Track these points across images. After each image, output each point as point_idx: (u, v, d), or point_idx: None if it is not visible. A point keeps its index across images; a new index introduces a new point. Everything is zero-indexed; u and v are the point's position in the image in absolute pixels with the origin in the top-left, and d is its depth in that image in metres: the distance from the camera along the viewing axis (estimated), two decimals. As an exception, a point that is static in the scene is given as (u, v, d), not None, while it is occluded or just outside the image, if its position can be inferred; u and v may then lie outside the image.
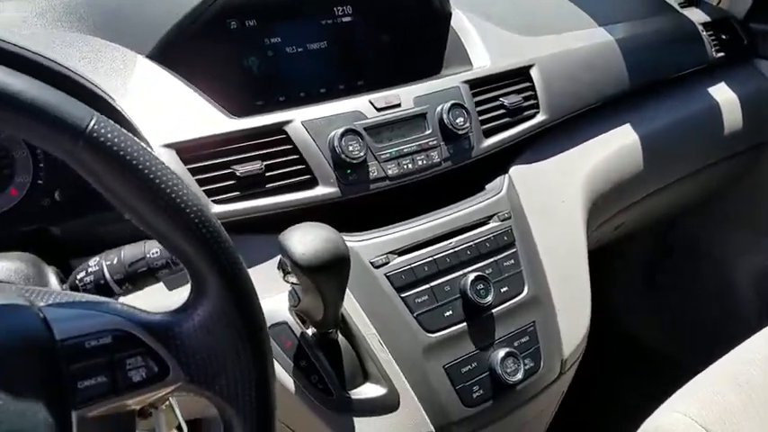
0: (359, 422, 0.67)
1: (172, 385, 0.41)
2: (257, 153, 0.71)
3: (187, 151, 0.66)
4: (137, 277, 0.49)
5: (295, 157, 0.72)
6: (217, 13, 0.79)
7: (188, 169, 0.66)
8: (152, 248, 0.50)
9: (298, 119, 0.73)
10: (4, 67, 0.35)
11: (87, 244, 0.64)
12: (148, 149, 0.38)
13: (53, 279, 0.53)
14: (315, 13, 0.89)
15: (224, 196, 0.68)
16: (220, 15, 0.81)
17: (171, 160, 0.65)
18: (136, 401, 0.40)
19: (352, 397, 0.67)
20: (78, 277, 0.49)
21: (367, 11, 0.93)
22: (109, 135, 0.37)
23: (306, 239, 0.58)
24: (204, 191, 0.66)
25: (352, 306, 0.69)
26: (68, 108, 0.36)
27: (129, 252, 0.49)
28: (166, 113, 0.68)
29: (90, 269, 0.49)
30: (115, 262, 0.49)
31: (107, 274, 0.49)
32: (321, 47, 0.90)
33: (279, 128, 0.72)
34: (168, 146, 0.65)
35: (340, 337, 0.69)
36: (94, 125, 0.36)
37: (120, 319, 0.40)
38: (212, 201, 0.66)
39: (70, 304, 0.40)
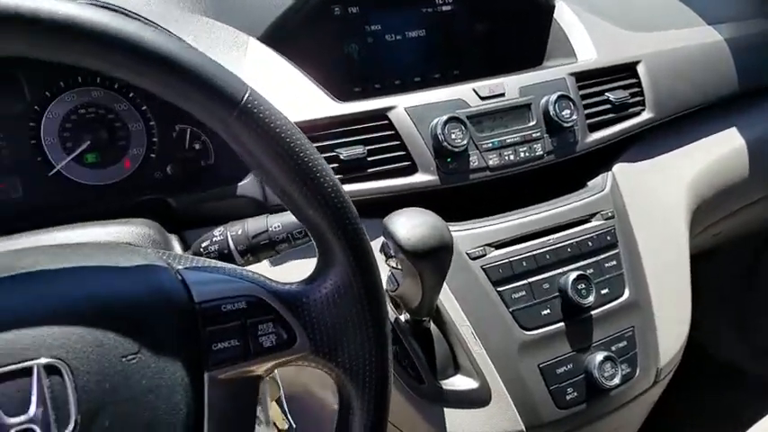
0: (449, 413, 0.66)
1: (297, 354, 0.41)
2: (360, 138, 0.71)
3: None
4: (258, 249, 0.50)
5: (396, 143, 0.72)
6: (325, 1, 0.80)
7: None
8: (274, 222, 0.50)
9: (401, 105, 0.72)
10: (169, 34, 0.36)
11: (196, 218, 0.66)
12: (293, 123, 0.39)
13: (177, 246, 0.54)
14: (416, 1, 0.89)
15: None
16: (326, 1, 0.82)
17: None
18: (262, 367, 0.41)
19: (444, 387, 0.66)
20: (203, 245, 0.51)
21: (467, 0, 0.92)
22: (261, 107, 0.38)
23: (412, 224, 0.57)
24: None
25: (446, 296, 0.68)
26: (228, 79, 0.37)
27: (252, 225, 0.51)
28: (277, 95, 0.69)
29: (215, 238, 0.50)
30: (239, 233, 0.50)
31: (231, 245, 0.50)
32: (420, 35, 0.90)
33: (382, 113, 0.72)
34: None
35: (432, 327, 0.68)
36: (249, 96, 0.37)
37: (253, 285, 0.41)
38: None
39: (206, 269, 0.41)
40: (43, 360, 0.34)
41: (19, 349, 0.34)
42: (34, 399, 0.34)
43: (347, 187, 0.68)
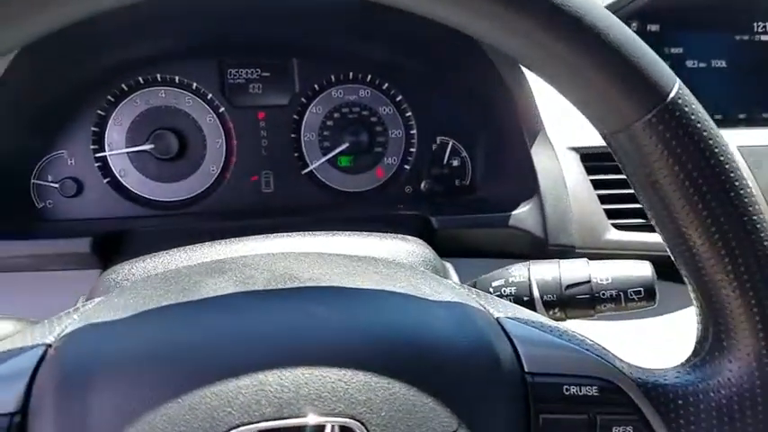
0: None
1: None
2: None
3: (589, 159, 0.54)
4: (572, 304, 0.36)
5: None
6: (622, 15, 0.67)
7: (591, 181, 0.53)
8: (600, 273, 0.36)
9: (732, 141, 0.56)
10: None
11: (453, 245, 0.55)
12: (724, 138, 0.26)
13: (455, 277, 0.43)
14: (731, 25, 0.72)
15: (624, 222, 0.53)
16: (623, 18, 0.69)
17: (573, 164, 0.53)
18: None
19: None
20: (493, 284, 0.38)
21: (796, 31, 0.73)
22: (693, 107, 0.25)
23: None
24: (605, 210, 0.53)
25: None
26: (659, 67, 0.25)
27: (568, 270, 0.37)
28: (570, 117, 0.57)
29: (512, 278, 0.38)
30: (549, 279, 0.37)
31: (536, 292, 0.37)
32: (728, 66, 0.73)
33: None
34: (573, 149, 0.54)
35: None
36: (679, 90, 0.25)
37: (604, 362, 0.27)
38: (612, 224, 0.53)
39: (531, 322, 0.29)
40: (340, 419, 0.24)
41: (310, 397, 0.24)
42: None
43: (645, 237, 0.54)
